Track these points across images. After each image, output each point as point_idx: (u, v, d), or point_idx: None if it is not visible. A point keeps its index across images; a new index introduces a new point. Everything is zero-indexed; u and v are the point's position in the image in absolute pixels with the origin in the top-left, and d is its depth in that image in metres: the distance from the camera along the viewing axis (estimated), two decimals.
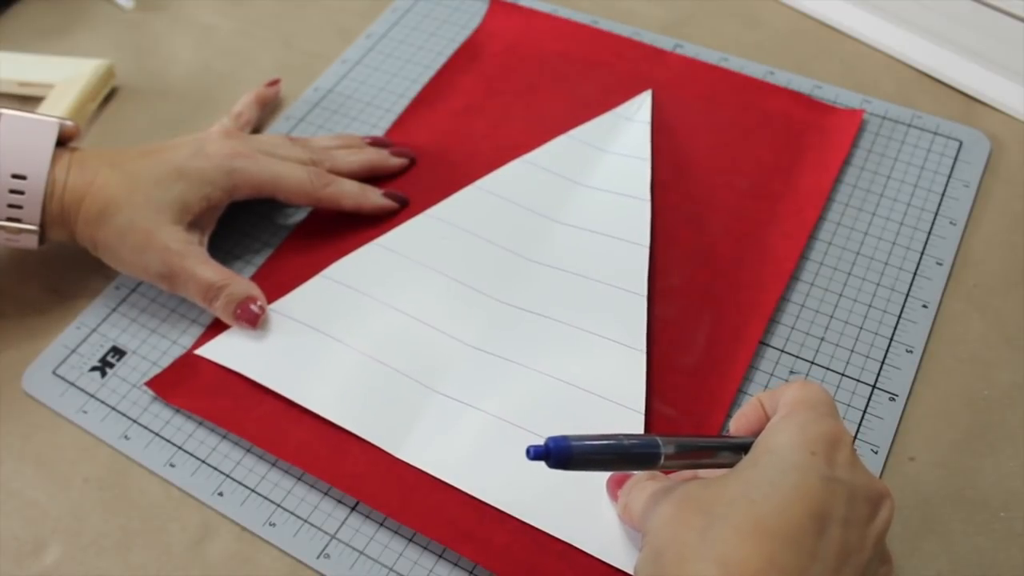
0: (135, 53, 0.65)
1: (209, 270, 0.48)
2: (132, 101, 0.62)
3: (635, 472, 0.40)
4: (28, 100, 0.61)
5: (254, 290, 0.49)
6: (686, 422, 0.45)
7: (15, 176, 0.46)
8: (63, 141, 0.49)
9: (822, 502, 0.32)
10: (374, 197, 0.53)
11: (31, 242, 0.48)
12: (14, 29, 0.67)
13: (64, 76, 0.60)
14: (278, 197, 0.51)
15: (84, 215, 0.47)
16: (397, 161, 0.55)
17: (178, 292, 0.49)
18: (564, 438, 0.33)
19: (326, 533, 0.42)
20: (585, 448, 0.34)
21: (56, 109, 0.58)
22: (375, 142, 0.56)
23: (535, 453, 0.33)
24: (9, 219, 0.47)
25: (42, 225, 0.47)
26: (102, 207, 0.47)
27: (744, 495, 0.32)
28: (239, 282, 0.48)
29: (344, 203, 0.52)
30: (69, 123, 0.49)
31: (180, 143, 0.50)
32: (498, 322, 0.48)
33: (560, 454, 0.33)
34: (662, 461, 0.35)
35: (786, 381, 0.46)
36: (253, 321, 0.48)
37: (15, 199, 0.46)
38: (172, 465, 0.45)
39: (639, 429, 0.44)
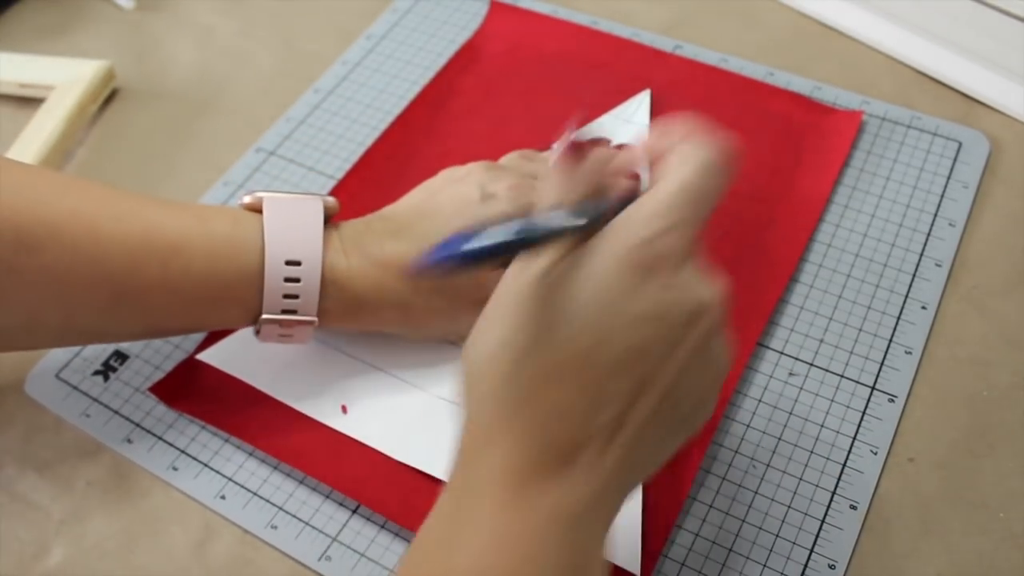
0: (135, 53, 0.65)
1: None
2: (132, 102, 0.62)
3: None
4: (29, 101, 0.61)
5: None
6: None
7: (289, 263, 0.41)
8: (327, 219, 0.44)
9: (629, 335, 0.30)
10: None
11: (304, 335, 0.43)
12: (14, 29, 0.67)
13: (65, 77, 0.61)
14: None
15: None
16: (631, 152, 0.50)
17: None
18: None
19: (327, 536, 0.43)
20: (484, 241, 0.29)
21: (57, 111, 0.58)
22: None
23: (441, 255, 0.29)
24: (284, 311, 0.42)
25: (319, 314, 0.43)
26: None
27: (549, 330, 0.30)
28: None
29: None
30: (331, 200, 0.44)
31: (446, 196, 0.45)
32: None
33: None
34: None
35: (786, 382, 0.47)
36: None
37: (291, 288, 0.42)
38: (175, 469, 0.45)
39: None
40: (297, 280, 0.41)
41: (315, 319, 0.43)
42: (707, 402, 0.33)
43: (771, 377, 0.47)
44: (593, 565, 0.31)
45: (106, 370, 0.49)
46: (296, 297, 0.42)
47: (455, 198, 0.45)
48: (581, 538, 0.31)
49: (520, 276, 0.31)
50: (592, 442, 0.30)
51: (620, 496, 0.32)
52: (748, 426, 0.45)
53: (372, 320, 0.44)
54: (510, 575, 0.29)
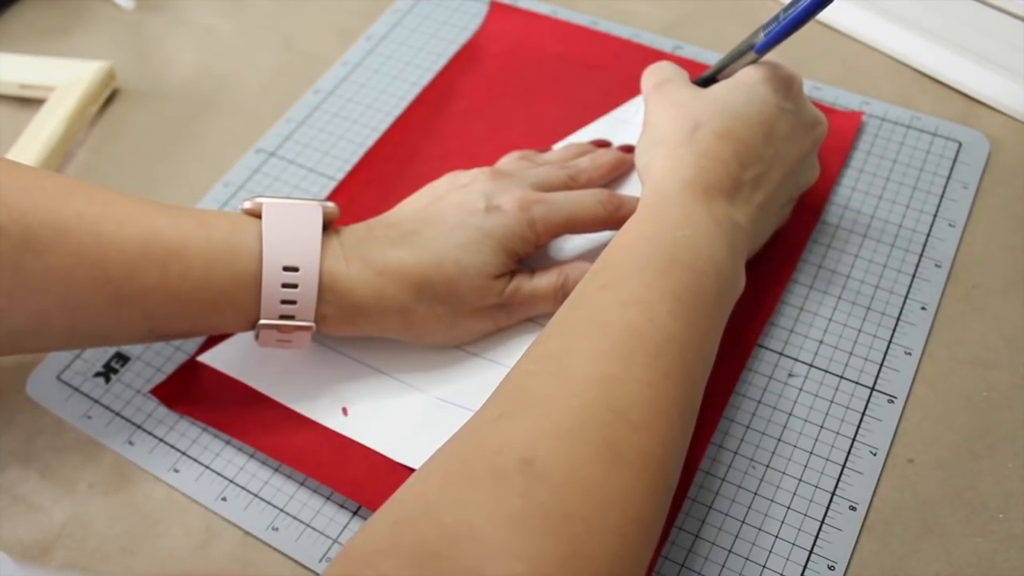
0: (135, 54, 0.65)
1: (541, 278, 0.46)
2: (133, 103, 0.62)
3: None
4: (29, 102, 0.61)
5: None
6: None
7: (287, 269, 0.42)
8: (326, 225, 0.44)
9: (773, 123, 0.44)
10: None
11: (303, 341, 0.44)
12: (14, 29, 0.67)
13: (65, 78, 0.61)
14: (571, 232, 0.48)
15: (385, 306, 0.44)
16: (631, 156, 0.53)
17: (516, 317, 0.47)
18: None
19: (328, 538, 0.43)
20: None
21: (58, 112, 0.58)
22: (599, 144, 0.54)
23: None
24: (282, 316, 0.42)
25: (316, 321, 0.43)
26: (419, 286, 0.43)
27: (722, 111, 0.44)
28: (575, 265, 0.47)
29: None
30: (331, 205, 0.44)
31: (449, 203, 0.45)
32: (501, 329, 0.48)
33: None
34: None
35: (785, 383, 0.47)
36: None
37: (288, 294, 0.42)
38: (176, 470, 0.45)
39: None
40: (295, 286, 0.42)
41: (313, 324, 0.43)
42: (802, 185, 0.49)
43: (771, 378, 0.47)
44: (739, 269, 0.43)
45: (107, 372, 0.49)
46: (294, 303, 0.42)
47: (459, 206, 0.45)
48: (737, 243, 0.42)
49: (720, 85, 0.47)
50: (743, 188, 0.44)
51: (757, 236, 0.46)
52: (748, 427, 0.45)
53: (372, 327, 0.44)
54: (693, 241, 0.40)
